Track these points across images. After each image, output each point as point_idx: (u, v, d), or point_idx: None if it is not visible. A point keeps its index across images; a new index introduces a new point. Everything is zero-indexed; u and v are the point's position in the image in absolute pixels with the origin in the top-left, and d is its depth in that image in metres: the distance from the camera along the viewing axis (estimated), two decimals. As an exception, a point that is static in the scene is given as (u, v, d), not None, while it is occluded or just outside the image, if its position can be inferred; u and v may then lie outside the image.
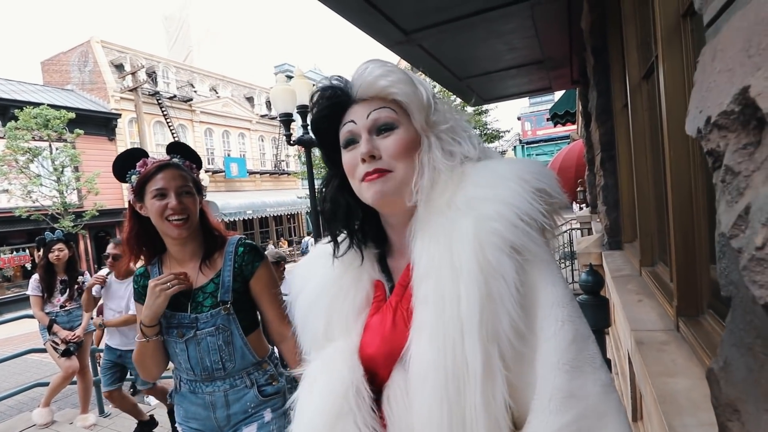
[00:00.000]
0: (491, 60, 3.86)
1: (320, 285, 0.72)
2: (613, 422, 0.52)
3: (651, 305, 1.71)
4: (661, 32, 1.29)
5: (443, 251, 0.58)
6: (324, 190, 0.73)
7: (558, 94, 7.49)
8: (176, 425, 1.35)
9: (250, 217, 17.94)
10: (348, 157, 0.66)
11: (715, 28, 0.50)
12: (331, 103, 0.67)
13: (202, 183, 1.35)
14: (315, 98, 0.68)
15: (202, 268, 1.27)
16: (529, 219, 0.56)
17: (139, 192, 1.22)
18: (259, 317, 1.36)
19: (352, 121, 0.65)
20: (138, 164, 1.24)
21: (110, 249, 3.11)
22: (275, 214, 20.23)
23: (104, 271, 3.17)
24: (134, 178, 1.22)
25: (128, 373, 3.21)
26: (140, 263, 1.36)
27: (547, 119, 8.38)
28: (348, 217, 0.70)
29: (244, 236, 1.41)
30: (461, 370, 0.54)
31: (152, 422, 3.20)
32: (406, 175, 0.64)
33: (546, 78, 4.73)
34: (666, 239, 1.66)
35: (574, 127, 11.13)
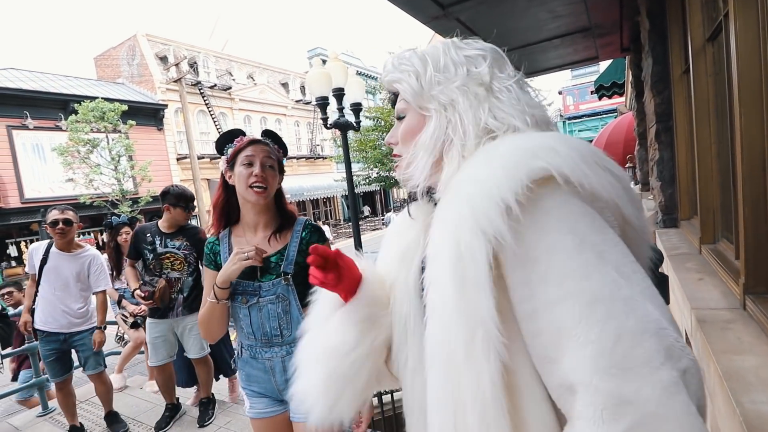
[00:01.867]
0: (533, 30, 3.68)
1: (393, 227, 0.86)
2: (677, 427, 0.43)
3: (713, 283, 1.63)
4: (732, -13, 1.18)
5: (439, 236, 0.59)
6: None
7: (603, 66, 7.05)
8: (241, 388, 1.47)
9: (289, 201, 18.38)
10: None
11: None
12: (390, 96, 0.78)
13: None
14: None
15: (270, 240, 1.40)
16: (502, 202, 0.50)
17: (231, 160, 1.37)
18: None
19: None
20: (236, 140, 1.40)
21: (57, 215, 2.66)
22: (312, 198, 20.64)
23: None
24: (230, 150, 1.38)
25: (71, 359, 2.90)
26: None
27: (592, 92, 7.94)
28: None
29: (310, 218, 1.55)
30: (455, 351, 0.55)
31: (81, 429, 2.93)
32: (410, 159, 0.70)
33: (592, 47, 4.45)
34: (731, 214, 1.56)
35: (622, 99, 10.45)
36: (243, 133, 1.43)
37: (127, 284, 2.95)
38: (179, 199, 2.70)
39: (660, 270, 2.02)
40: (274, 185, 1.39)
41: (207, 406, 2.99)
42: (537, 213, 0.51)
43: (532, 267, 0.50)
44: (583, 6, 3.16)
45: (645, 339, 0.45)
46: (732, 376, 1.02)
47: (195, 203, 2.81)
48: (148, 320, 2.85)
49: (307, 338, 0.81)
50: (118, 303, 3.63)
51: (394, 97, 0.76)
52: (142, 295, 2.65)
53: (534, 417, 0.53)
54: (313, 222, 1.49)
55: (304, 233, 1.42)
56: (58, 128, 12.65)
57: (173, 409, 2.98)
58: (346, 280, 0.75)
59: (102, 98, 12.38)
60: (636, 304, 0.47)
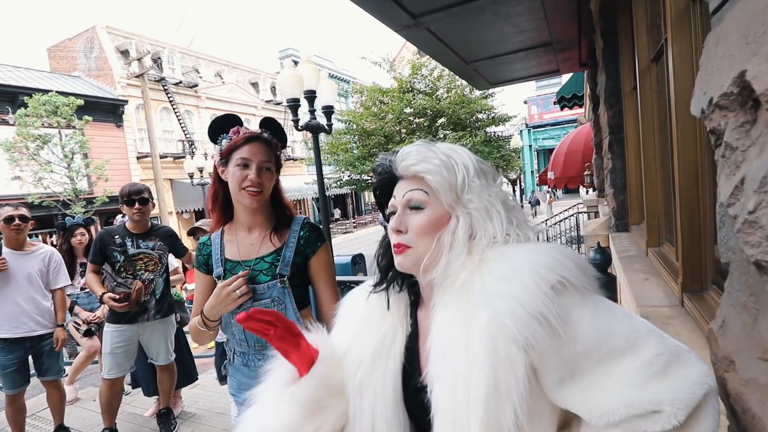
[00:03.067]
0: (499, 43, 3.84)
1: (355, 315, 0.84)
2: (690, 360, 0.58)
3: (657, 283, 1.77)
4: (671, 15, 1.31)
5: (460, 337, 0.62)
6: (382, 241, 0.84)
7: (565, 78, 7.41)
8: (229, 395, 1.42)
9: (291, 200, 18.01)
10: (390, 225, 0.76)
11: (719, 17, 0.54)
12: (382, 177, 0.79)
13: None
14: (376, 170, 0.81)
15: (270, 238, 1.33)
16: (540, 316, 0.58)
17: (225, 156, 1.29)
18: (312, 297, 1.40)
19: (394, 197, 0.77)
20: (231, 130, 1.30)
21: (11, 211, 2.59)
22: (281, 200, 20.32)
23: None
24: (225, 142, 1.29)
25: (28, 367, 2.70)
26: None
27: (554, 103, 8.31)
28: (389, 268, 0.80)
29: (308, 217, 1.47)
30: None
31: None
32: (425, 251, 0.71)
33: (554, 61, 4.70)
34: (672, 220, 1.71)
35: (582, 110, 11.01)
36: (240, 122, 1.34)
37: (91, 290, 2.80)
38: (122, 196, 2.61)
39: (608, 271, 2.17)
40: (269, 186, 1.31)
41: (168, 417, 2.86)
42: (563, 314, 0.60)
43: (573, 345, 0.59)
44: (545, 22, 3.33)
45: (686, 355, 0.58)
46: (668, 366, 1.12)
47: (148, 196, 2.67)
48: (110, 327, 2.63)
49: (251, 413, 0.79)
50: (70, 310, 3.41)
51: (386, 182, 0.78)
52: (117, 297, 2.50)
53: None
54: (311, 221, 1.41)
55: (302, 232, 1.35)
56: (5, 122, 11.82)
57: None
58: (303, 352, 0.74)
59: (55, 91, 11.70)
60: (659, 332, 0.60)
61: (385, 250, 0.81)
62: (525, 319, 0.58)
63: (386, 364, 0.75)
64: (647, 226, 2.17)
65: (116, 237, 2.61)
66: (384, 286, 0.80)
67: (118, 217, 3.24)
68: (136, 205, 2.58)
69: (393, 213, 0.76)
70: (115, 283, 2.61)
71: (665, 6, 1.38)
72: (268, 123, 1.38)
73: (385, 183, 0.79)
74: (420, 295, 0.80)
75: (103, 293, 2.54)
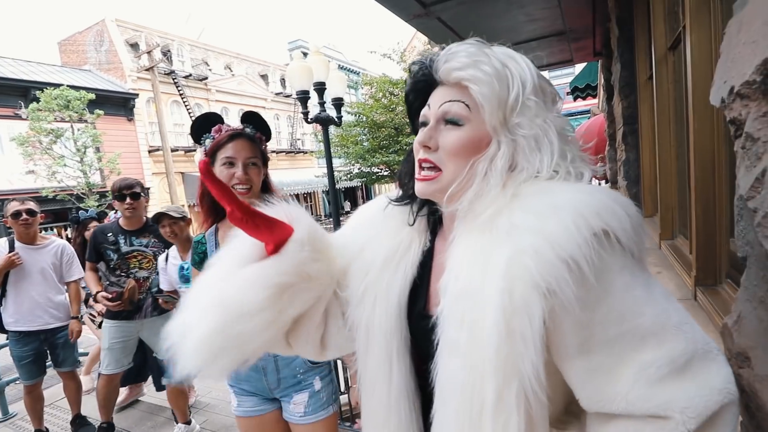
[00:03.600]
0: (512, 32, 3.77)
1: (371, 219, 0.77)
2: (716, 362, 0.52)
3: (669, 276, 1.75)
4: (690, 1, 1.28)
5: (478, 277, 0.56)
6: (407, 156, 0.74)
7: (578, 68, 7.27)
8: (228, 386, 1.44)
9: (283, 194, 18.12)
10: (417, 138, 0.66)
11: (741, 2, 0.52)
12: (417, 80, 0.67)
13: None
14: (411, 70, 0.69)
15: None
16: (571, 260, 0.50)
17: (210, 156, 1.29)
18: None
19: (428, 105, 0.65)
20: (213, 129, 1.30)
21: (18, 206, 2.57)
22: (292, 193, 20.38)
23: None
24: (208, 142, 1.30)
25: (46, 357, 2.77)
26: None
27: (567, 93, 8.17)
28: (412, 185, 0.70)
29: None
30: (482, 397, 0.54)
31: None
32: (452, 178, 0.62)
33: (567, 50, 4.60)
34: (687, 212, 1.68)
35: (595, 101, 10.79)
36: (220, 120, 1.35)
37: (88, 288, 2.73)
38: (113, 191, 2.53)
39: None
40: (258, 182, 1.32)
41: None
42: (598, 269, 0.52)
43: (592, 312, 0.52)
44: (558, 11, 3.26)
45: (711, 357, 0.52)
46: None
47: (140, 191, 2.56)
48: (107, 323, 2.60)
49: (205, 278, 0.68)
50: (85, 302, 3.46)
51: (421, 85, 0.66)
52: (109, 296, 2.47)
53: None
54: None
55: None
56: (18, 117, 11.99)
57: (108, 429, 2.71)
58: (275, 229, 0.63)
59: (67, 86, 11.82)
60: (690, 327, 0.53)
61: (410, 165, 0.71)
62: (551, 261, 0.50)
63: (395, 273, 0.68)
64: (661, 218, 2.13)
65: (109, 235, 2.55)
66: (407, 202, 0.72)
67: (111, 213, 3.25)
68: (128, 200, 2.49)
69: (425, 124, 0.65)
70: (108, 282, 2.57)
71: (683, -8, 1.34)
72: (250, 117, 1.38)
73: (420, 87, 0.67)
74: (440, 223, 0.72)
75: (97, 292, 2.51)
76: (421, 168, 0.65)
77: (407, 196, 0.72)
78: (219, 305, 0.62)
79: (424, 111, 0.66)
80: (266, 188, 1.39)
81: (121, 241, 2.55)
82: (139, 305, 2.59)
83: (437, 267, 0.68)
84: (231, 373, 0.67)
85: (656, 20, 1.95)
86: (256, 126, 1.37)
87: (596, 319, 0.52)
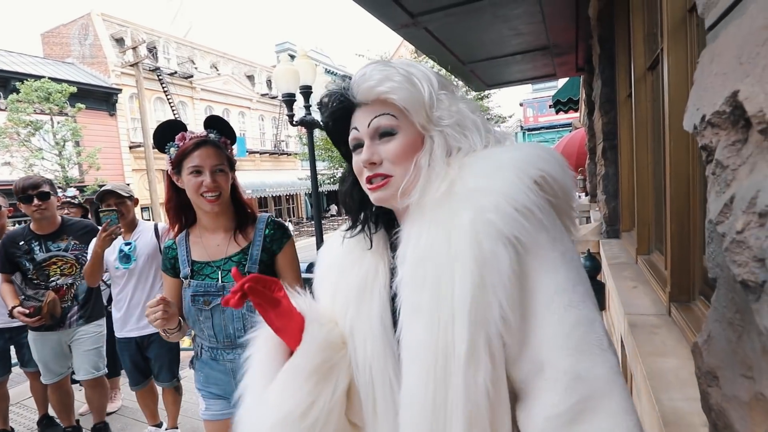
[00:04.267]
0: (497, 45, 3.84)
1: (332, 262, 0.79)
2: (617, 401, 0.53)
3: (645, 291, 1.79)
4: (667, 25, 1.32)
5: (442, 238, 0.59)
6: (341, 187, 0.78)
7: (561, 82, 7.45)
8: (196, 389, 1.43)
9: (249, 197, 18.00)
10: (355, 161, 0.70)
11: (714, 33, 0.54)
12: (337, 108, 0.70)
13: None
14: (324, 101, 0.72)
15: (235, 238, 1.36)
16: (525, 209, 0.56)
17: (177, 165, 1.29)
18: None
19: (356, 128, 0.69)
20: (177, 137, 1.29)
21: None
22: (274, 195, 20.26)
23: None
24: (173, 151, 1.29)
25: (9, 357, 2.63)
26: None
27: (550, 106, 8.35)
28: (361, 209, 0.75)
29: (272, 215, 1.50)
30: (449, 351, 0.56)
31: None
32: (404, 178, 0.66)
33: (550, 64, 4.71)
34: (663, 229, 1.72)
35: (577, 115, 11.07)
36: (184, 128, 1.33)
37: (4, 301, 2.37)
38: (16, 192, 2.21)
39: (597, 278, 2.18)
40: (227, 188, 1.32)
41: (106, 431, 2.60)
42: (548, 213, 0.59)
43: (536, 256, 0.57)
44: (542, 26, 3.34)
45: (596, 326, 0.56)
46: (654, 376, 1.13)
47: (50, 189, 2.27)
48: (32, 335, 2.38)
49: (249, 406, 0.70)
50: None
51: (340, 113, 0.70)
52: (26, 311, 2.18)
53: (502, 422, 0.59)
54: (275, 218, 1.45)
55: (267, 231, 1.37)
56: (-5, 107, 11.64)
57: None
58: (290, 324, 0.68)
59: (48, 78, 11.51)
60: (588, 296, 0.58)
61: (350, 188, 0.75)
62: (510, 213, 0.56)
63: (371, 301, 0.70)
64: (638, 233, 2.18)
65: (21, 243, 2.26)
66: (359, 228, 0.75)
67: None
68: (35, 201, 2.19)
69: (358, 146, 0.69)
70: (23, 297, 2.30)
71: (662, 16, 1.38)
72: (213, 122, 1.37)
73: (338, 115, 0.71)
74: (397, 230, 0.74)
75: (13, 307, 2.22)
76: (370, 183, 0.68)
77: (358, 221, 0.76)
78: (274, 427, 0.65)
79: (354, 135, 0.70)
80: (234, 193, 1.38)
81: (36, 248, 2.27)
82: (63, 315, 2.34)
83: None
84: None
85: (636, 40, 2.01)
86: (220, 130, 1.36)
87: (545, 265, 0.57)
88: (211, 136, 1.32)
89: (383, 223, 0.76)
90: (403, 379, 0.62)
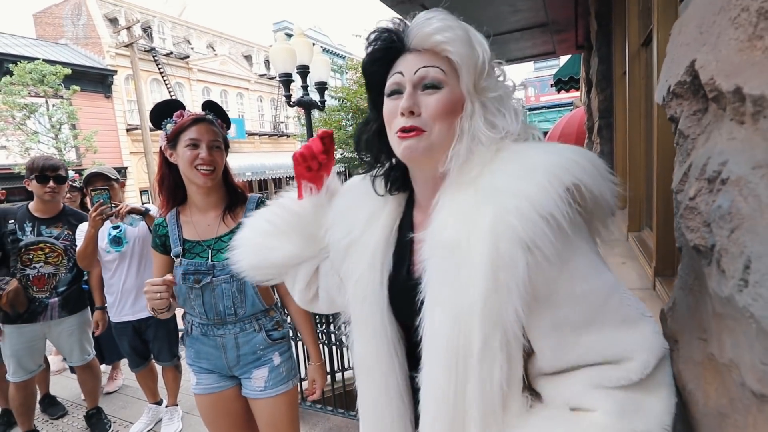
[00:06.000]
0: (495, 22, 3.77)
1: (349, 200, 0.81)
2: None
3: (633, 267, 1.82)
4: (658, 1, 1.30)
5: (463, 234, 0.59)
6: (362, 129, 0.75)
7: (563, 60, 7.32)
8: (187, 364, 1.46)
9: (249, 179, 17.96)
10: (389, 107, 0.66)
11: (685, 4, 0.54)
12: (385, 47, 0.66)
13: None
14: (371, 38, 0.68)
15: (225, 219, 1.37)
16: (550, 216, 0.54)
17: (173, 140, 1.30)
18: None
19: (400, 72, 0.65)
20: (175, 114, 1.31)
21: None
22: (274, 177, 20.19)
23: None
24: (170, 126, 1.30)
25: None
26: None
27: (551, 85, 8.22)
28: (377, 161, 0.75)
29: (262, 195, 1.51)
30: (467, 348, 0.58)
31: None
32: (440, 138, 0.63)
33: (550, 42, 4.63)
34: (652, 206, 1.74)
35: (578, 94, 10.91)
36: (182, 106, 1.36)
37: None
38: (33, 170, 2.12)
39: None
40: (222, 164, 1.35)
41: (99, 416, 2.58)
42: (575, 223, 0.57)
43: (561, 267, 0.56)
44: (541, 2, 3.27)
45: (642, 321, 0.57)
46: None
47: (65, 174, 2.23)
48: (6, 328, 2.22)
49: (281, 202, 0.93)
50: None
51: (384, 53, 0.66)
52: None
53: (513, 410, 0.61)
54: (265, 199, 1.44)
55: (258, 210, 1.39)
56: (-11, 90, 11.49)
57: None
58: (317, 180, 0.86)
59: (42, 60, 11.33)
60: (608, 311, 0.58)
61: (370, 140, 0.74)
62: (532, 219, 0.54)
63: (377, 229, 0.73)
64: (629, 211, 2.20)
65: (11, 222, 2.16)
66: (384, 170, 0.74)
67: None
68: (50, 183, 2.13)
69: (396, 92, 0.66)
70: None
71: (654, -10, 1.36)
72: (210, 105, 1.40)
73: (389, 55, 0.66)
74: (414, 197, 0.75)
75: None
76: (404, 131, 0.64)
77: (377, 163, 0.75)
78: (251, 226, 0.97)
79: (396, 79, 0.66)
80: (226, 175, 1.40)
81: (27, 229, 2.18)
82: (38, 308, 2.22)
83: (419, 239, 0.70)
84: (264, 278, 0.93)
85: (631, 17, 1.98)
86: (217, 114, 1.39)
87: (565, 274, 0.57)
88: (209, 116, 1.35)
89: (397, 184, 0.75)
90: (424, 367, 0.63)
